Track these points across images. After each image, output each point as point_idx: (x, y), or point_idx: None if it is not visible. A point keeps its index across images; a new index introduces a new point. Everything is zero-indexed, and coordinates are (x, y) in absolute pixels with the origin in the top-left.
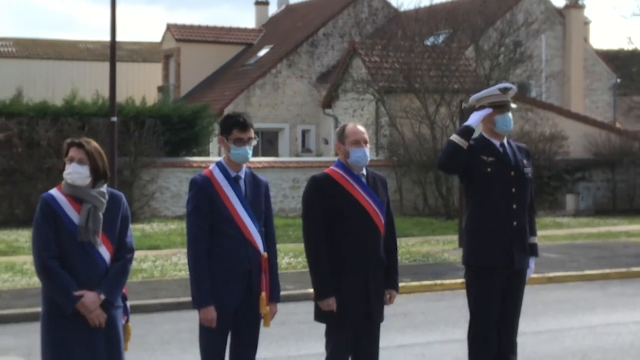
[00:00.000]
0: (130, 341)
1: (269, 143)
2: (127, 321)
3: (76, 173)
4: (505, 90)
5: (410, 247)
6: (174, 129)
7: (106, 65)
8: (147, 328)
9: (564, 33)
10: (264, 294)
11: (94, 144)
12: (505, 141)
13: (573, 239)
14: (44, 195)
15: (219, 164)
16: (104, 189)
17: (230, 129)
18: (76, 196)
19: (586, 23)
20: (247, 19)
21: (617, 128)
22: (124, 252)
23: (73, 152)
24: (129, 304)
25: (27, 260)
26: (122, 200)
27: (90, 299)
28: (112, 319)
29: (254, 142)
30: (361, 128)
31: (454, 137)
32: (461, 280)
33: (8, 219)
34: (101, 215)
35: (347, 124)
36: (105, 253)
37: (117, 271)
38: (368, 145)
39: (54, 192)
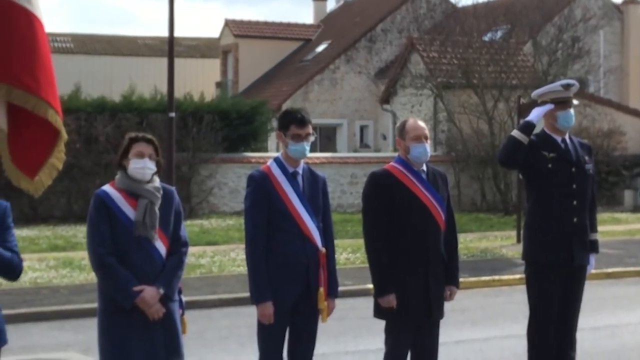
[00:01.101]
0: (186, 334)
1: (326, 138)
2: (182, 314)
3: (148, 168)
4: (567, 87)
5: (468, 243)
6: (231, 124)
7: (164, 61)
8: (205, 323)
9: (621, 28)
10: (321, 289)
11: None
12: (566, 137)
13: (631, 235)
14: (97, 192)
15: (276, 160)
16: (158, 183)
17: (288, 124)
18: (131, 191)
19: None
20: (305, 14)
21: None
22: (178, 246)
23: (142, 147)
24: (183, 297)
25: (85, 256)
26: (174, 195)
27: (150, 294)
28: (169, 313)
29: (312, 138)
30: (421, 123)
31: (515, 132)
32: (519, 276)
33: (66, 215)
34: (157, 210)
35: (407, 120)
36: (161, 247)
37: (173, 265)
38: (428, 141)
39: (107, 188)
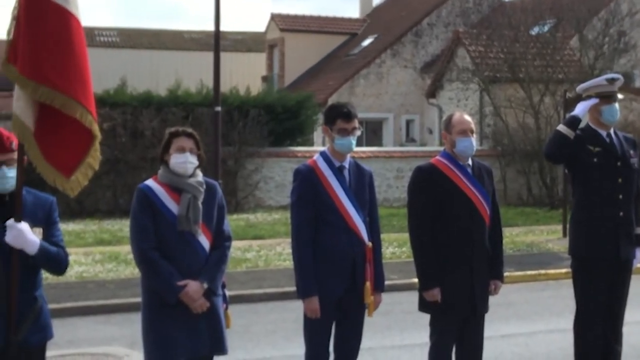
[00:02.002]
0: (230, 328)
1: (372, 133)
2: (226, 308)
3: (189, 162)
4: (612, 81)
5: (514, 237)
6: (277, 118)
7: (210, 55)
8: (251, 318)
9: None
10: (368, 284)
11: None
12: (611, 131)
13: None
14: (140, 186)
15: (322, 154)
16: (201, 177)
17: (334, 118)
18: (174, 186)
19: None
20: (351, 8)
21: None
22: (222, 240)
23: (183, 142)
24: (228, 291)
25: (130, 250)
26: (217, 189)
27: (194, 288)
28: (213, 307)
29: (358, 132)
30: (467, 117)
31: (561, 127)
32: (565, 270)
33: (112, 209)
34: (200, 204)
35: (453, 113)
36: (205, 242)
37: (217, 259)
38: (474, 135)
39: (150, 182)
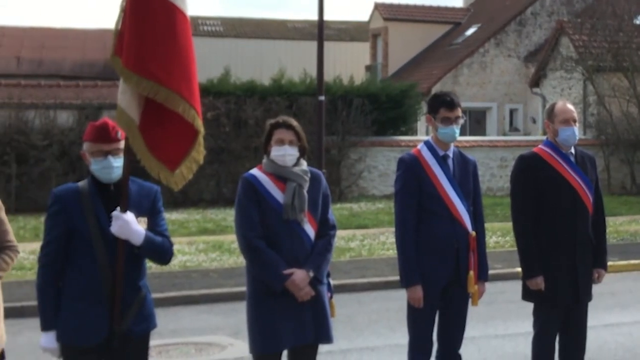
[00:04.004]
0: (334, 317)
1: (476, 122)
2: (331, 297)
3: (289, 155)
4: None
5: (618, 226)
6: (381, 107)
7: (313, 44)
8: (354, 307)
9: None
10: (471, 273)
11: (296, 122)
12: None
13: None
14: (245, 175)
15: (426, 143)
16: (305, 166)
17: (438, 107)
18: (279, 175)
19: None
20: None
21: None
22: (327, 229)
23: (282, 134)
24: (332, 280)
25: (234, 239)
26: (322, 178)
27: (300, 277)
28: (318, 296)
29: (461, 121)
30: (570, 106)
31: None
32: None
33: (215, 198)
34: (305, 193)
35: (556, 102)
36: (310, 230)
37: (322, 248)
38: (577, 124)
39: (255, 171)
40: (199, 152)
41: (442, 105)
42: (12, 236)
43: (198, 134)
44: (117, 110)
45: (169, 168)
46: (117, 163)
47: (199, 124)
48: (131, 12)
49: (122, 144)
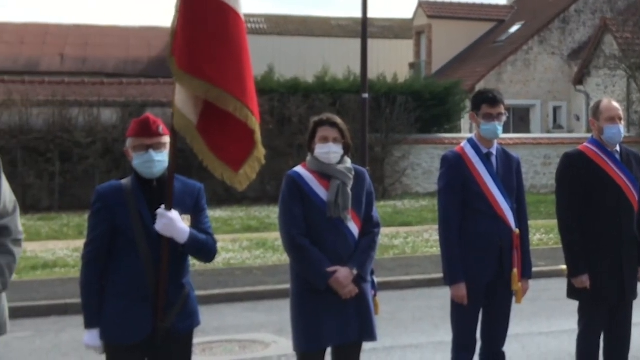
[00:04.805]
0: (378, 315)
1: (520, 119)
2: (375, 295)
3: (333, 153)
4: None
5: None
6: (425, 105)
7: (357, 42)
8: (398, 304)
9: None
10: (515, 270)
11: (340, 120)
12: None
13: None
14: (289, 173)
15: (470, 140)
16: (349, 164)
17: (480, 104)
18: (324, 172)
19: None
20: None
21: None
22: (371, 227)
23: (326, 131)
24: (376, 278)
25: (278, 237)
26: (366, 176)
27: (344, 274)
28: (362, 293)
29: (504, 118)
30: (615, 104)
31: None
32: None
33: (259, 196)
34: (349, 191)
35: (601, 100)
36: (354, 228)
37: (366, 245)
38: (622, 122)
39: (299, 169)
40: (260, 151)
41: (484, 101)
42: None
43: (254, 133)
44: (173, 111)
45: (233, 168)
46: (159, 157)
47: (253, 122)
48: (183, 11)
49: (164, 139)
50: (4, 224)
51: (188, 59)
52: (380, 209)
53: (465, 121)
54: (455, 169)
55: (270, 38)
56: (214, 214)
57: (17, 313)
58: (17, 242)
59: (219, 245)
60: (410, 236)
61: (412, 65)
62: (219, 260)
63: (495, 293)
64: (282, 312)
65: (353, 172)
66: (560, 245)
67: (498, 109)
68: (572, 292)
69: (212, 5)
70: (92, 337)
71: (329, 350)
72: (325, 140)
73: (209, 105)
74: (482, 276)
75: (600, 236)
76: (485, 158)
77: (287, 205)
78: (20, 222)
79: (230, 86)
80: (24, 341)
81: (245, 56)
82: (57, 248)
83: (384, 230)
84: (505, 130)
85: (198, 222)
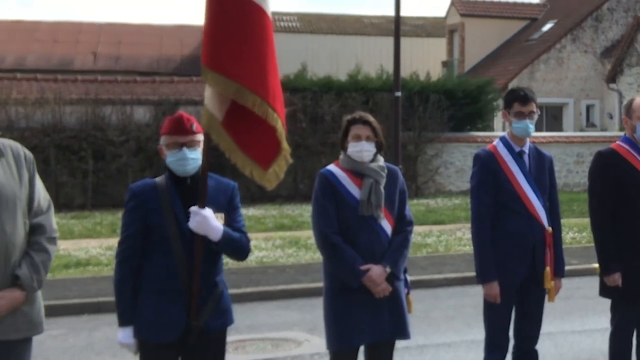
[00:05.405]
0: (411, 313)
1: (552, 118)
2: (408, 293)
3: (366, 151)
4: None
5: None
6: (457, 103)
7: (390, 40)
8: (431, 303)
9: None
10: (548, 269)
11: (373, 118)
12: None
13: None
14: (322, 171)
15: (502, 139)
16: (382, 162)
17: (512, 102)
18: (357, 171)
19: None
20: None
21: None
22: (404, 225)
23: (359, 130)
24: (409, 276)
25: (311, 235)
26: (399, 174)
27: (377, 273)
28: (395, 292)
29: (535, 116)
30: None
31: None
32: None
33: (292, 194)
34: (382, 189)
35: (634, 98)
36: (387, 226)
37: (399, 244)
38: None
39: (332, 167)
40: (287, 150)
41: (515, 99)
42: None
43: (275, 130)
44: (202, 108)
45: (262, 167)
46: (192, 155)
47: (274, 119)
48: (207, 9)
49: (198, 137)
50: (38, 222)
51: (210, 54)
52: (413, 207)
53: (498, 119)
54: (487, 168)
55: (303, 36)
56: (247, 212)
57: (50, 311)
58: (52, 240)
59: (252, 243)
60: (443, 234)
61: (444, 64)
62: (252, 258)
63: (528, 291)
64: (314, 310)
65: (386, 170)
66: (593, 244)
67: (530, 107)
68: (604, 291)
69: (234, 2)
70: (126, 335)
71: (362, 348)
72: (358, 138)
73: (237, 103)
74: (514, 275)
75: (633, 235)
76: (518, 156)
77: (320, 203)
78: (54, 220)
79: (251, 82)
80: (57, 339)
81: (271, 54)
82: (90, 246)
83: (416, 229)
84: (538, 129)
85: (231, 220)
